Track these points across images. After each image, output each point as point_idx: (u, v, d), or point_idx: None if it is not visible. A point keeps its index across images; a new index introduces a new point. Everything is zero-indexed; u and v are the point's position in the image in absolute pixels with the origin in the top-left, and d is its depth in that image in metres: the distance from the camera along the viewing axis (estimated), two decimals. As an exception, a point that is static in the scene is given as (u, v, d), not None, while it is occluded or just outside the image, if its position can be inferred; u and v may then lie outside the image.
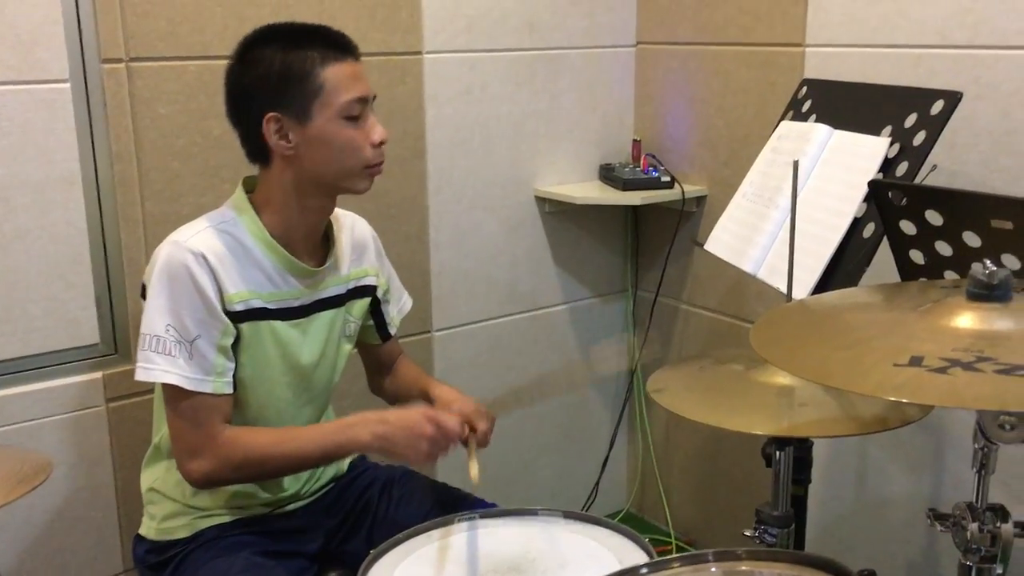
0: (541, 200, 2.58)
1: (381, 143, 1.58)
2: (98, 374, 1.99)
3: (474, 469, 1.56)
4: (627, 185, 2.52)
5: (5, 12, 1.78)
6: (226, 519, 1.64)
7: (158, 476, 1.67)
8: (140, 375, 1.52)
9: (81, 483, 2.00)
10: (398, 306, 1.87)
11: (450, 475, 1.94)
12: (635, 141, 2.67)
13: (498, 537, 1.54)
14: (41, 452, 1.49)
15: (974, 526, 1.19)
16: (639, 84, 2.68)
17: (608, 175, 2.61)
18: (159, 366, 1.50)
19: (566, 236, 2.66)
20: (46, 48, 1.83)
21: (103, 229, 1.97)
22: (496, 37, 2.42)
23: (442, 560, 1.48)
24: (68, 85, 1.87)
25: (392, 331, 1.85)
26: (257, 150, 1.57)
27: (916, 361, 1.02)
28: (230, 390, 1.55)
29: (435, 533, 1.55)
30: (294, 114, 1.52)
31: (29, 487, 1.15)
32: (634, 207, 2.71)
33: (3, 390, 1.89)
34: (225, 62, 1.59)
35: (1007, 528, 1.18)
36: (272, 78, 1.51)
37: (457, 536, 1.55)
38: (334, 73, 1.53)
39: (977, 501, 1.20)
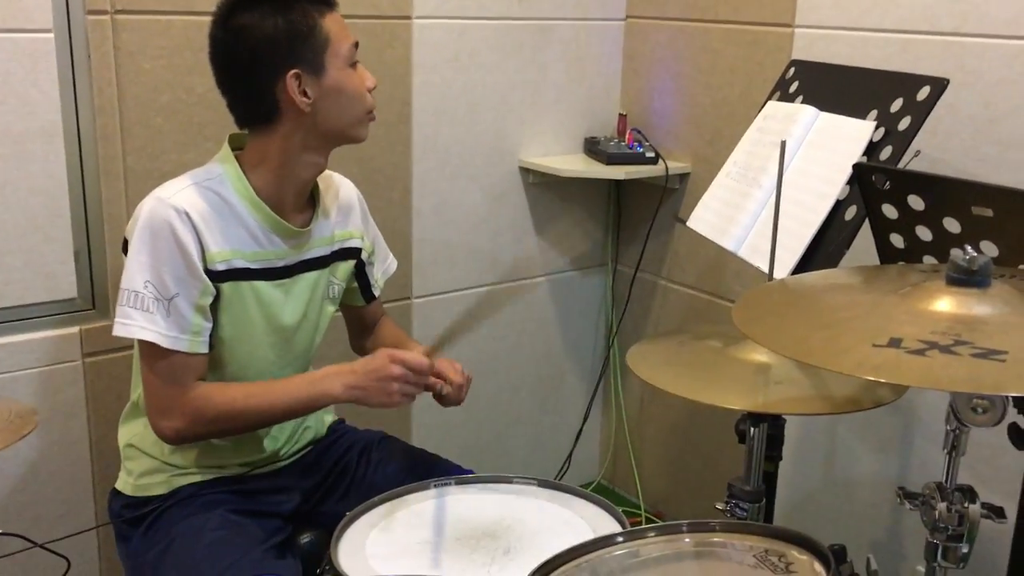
0: (525, 171, 2.58)
1: (374, 87, 1.61)
2: (75, 328, 1.98)
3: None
4: (611, 159, 2.53)
5: (-11, -42, 1.75)
6: (204, 478, 1.64)
7: (136, 432, 1.66)
8: (117, 330, 1.51)
9: (55, 436, 1.99)
10: (383, 267, 1.87)
11: (426, 441, 1.96)
12: (621, 115, 2.67)
13: (473, 504, 1.56)
14: (23, 401, 1.48)
15: (943, 505, 1.21)
16: (627, 58, 2.68)
17: (593, 148, 2.61)
18: (136, 322, 1.50)
19: (549, 208, 2.66)
20: (30, -3, 1.80)
21: (83, 183, 1.95)
22: (486, 5, 2.40)
23: (417, 525, 1.50)
24: (52, 35, 1.84)
25: (376, 293, 1.86)
26: (264, 112, 1.55)
27: (895, 343, 1.04)
28: (205, 349, 1.55)
29: (411, 498, 1.57)
30: (311, 69, 1.52)
31: (17, 436, 1.14)
32: (617, 181, 2.71)
33: (-21, 341, 1.88)
34: (211, 18, 1.57)
35: (974, 508, 1.21)
36: (280, 37, 1.50)
37: (432, 501, 1.57)
38: (332, 23, 1.55)
39: (946, 481, 1.23)
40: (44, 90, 1.85)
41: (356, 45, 1.58)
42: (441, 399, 1.64)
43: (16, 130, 1.83)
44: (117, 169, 1.97)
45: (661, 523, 1.26)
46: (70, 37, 1.87)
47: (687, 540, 1.23)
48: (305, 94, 1.53)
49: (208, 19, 1.57)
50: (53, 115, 1.87)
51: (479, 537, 1.46)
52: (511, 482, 1.62)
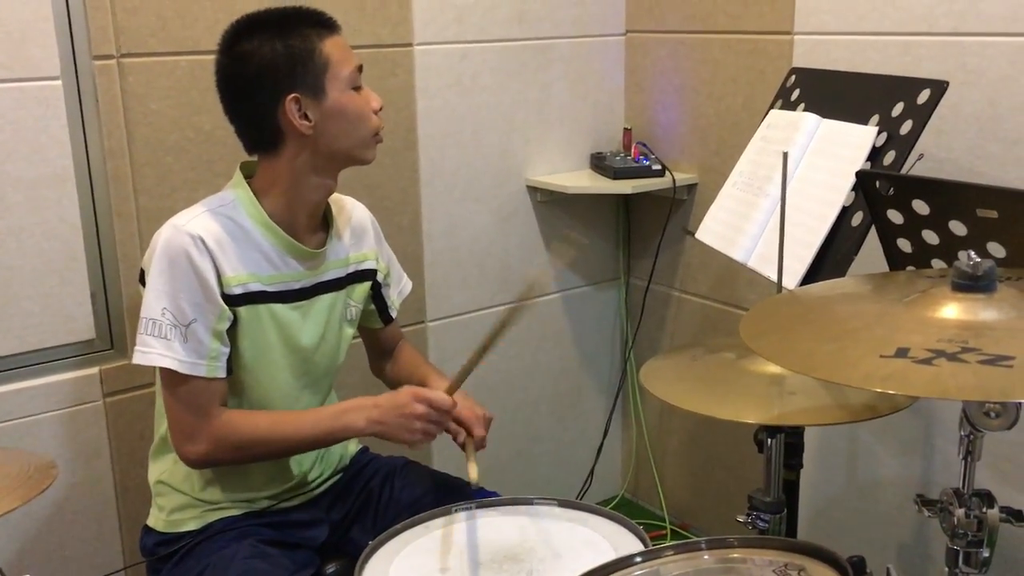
0: (533, 190, 2.59)
1: (380, 109, 1.63)
2: (94, 369, 2.00)
3: (473, 471, 1.57)
4: (618, 174, 2.54)
5: (-5, 10, 1.78)
6: (235, 512, 1.66)
7: (166, 468, 1.68)
8: (137, 358, 1.54)
9: (80, 477, 2.01)
10: (398, 288, 1.89)
11: (447, 464, 1.97)
12: (626, 130, 2.68)
13: (495, 527, 1.56)
14: (43, 453, 1.50)
15: (960, 512, 1.21)
16: (629, 73, 2.69)
17: (599, 164, 2.62)
18: (155, 349, 1.52)
19: (558, 225, 2.67)
20: (37, 45, 1.83)
21: (97, 225, 1.98)
22: (486, 28, 2.42)
23: (440, 550, 1.50)
24: (60, 82, 1.87)
25: (393, 314, 1.88)
26: (268, 137, 1.58)
27: (902, 352, 1.04)
28: (224, 374, 1.57)
29: (433, 523, 1.57)
30: (311, 92, 1.55)
31: (36, 491, 1.17)
32: (625, 196, 2.72)
33: (1, 387, 1.90)
34: (215, 57, 1.59)
35: (993, 514, 1.20)
36: (279, 62, 1.53)
37: (454, 526, 1.57)
38: (332, 47, 1.57)
39: (963, 487, 1.22)
40: (54, 136, 1.88)
41: (360, 68, 1.60)
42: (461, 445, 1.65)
43: (29, 176, 1.86)
44: (129, 210, 1.99)
45: (679, 541, 1.26)
46: (78, 83, 1.91)
47: (706, 557, 1.23)
48: (306, 117, 1.55)
49: (211, 58, 1.60)
50: (64, 160, 1.90)
51: (501, 561, 1.46)
52: (531, 503, 1.63)
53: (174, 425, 1.58)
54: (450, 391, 1.61)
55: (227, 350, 1.57)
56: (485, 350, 1.55)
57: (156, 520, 1.69)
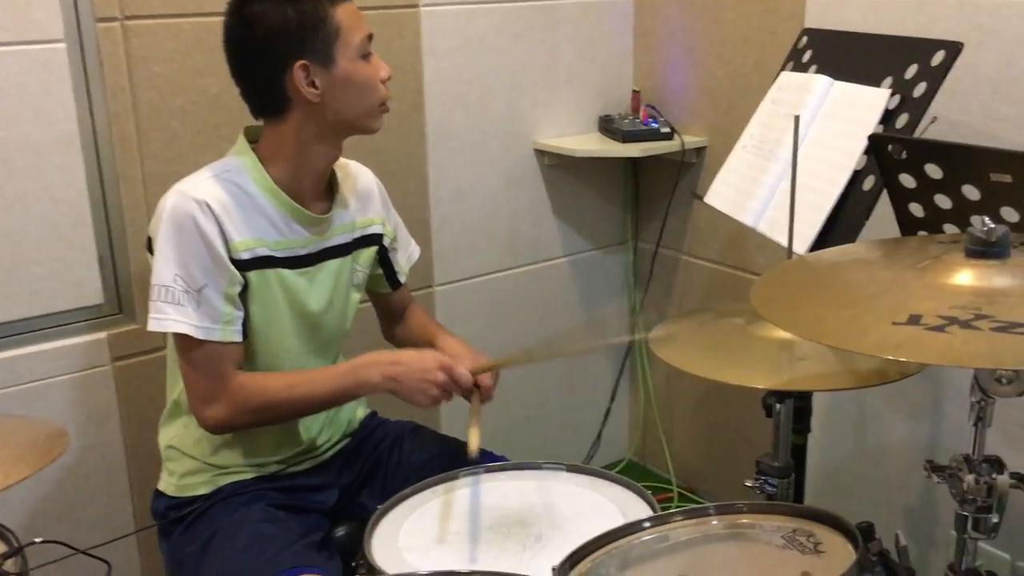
0: (540, 153, 2.58)
1: (388, 78, 1.61)
2: (103, 334, 2.01)
3: (474, 440, 1.55)
4: (627, 137, 2.52)
5: (-3, -28, 1.76)
6: (245, 476, 1.67)
7: (176, 433, 1.69)
8: (152, 326, 1.54)
9: (90, 442, 2.02)
10: (406, 253, 1.89)
11: (455, 428, 1.97)
12: (634, 92, 2.65)
13: (503, 491, 1.57)
14: (54, 421, 1.51)
15: (970, 478, 1.21)
16: (638, 34, 2.66)
17: (607, 127, 2.60)
18: (169, 316, 1.52)
19: (566, 189, 2.66)
20: (40, 8, 1.81)
21: (103, 189, 1.97)
22: (493, -12, 2.40)
23: (448, 515, 1.51)
24: (63, 45, 1.85)
25: (402, 279, 1.87)
26: (274, 103, 1.56)
27: (914, 319, 1.03)
28: (239, 338, 1.57)
29: (440, 488, 1.58)
30: (320, 59, 1.53)
31: (47, 459, 1.17)
32: (634, 159, 2.70)
33: (10, 351, 1.91)
34: (221, 19, 1.57)
35: (1003, 479, 1.20)
36: (289, 27, 1.51)
37: (462, 491, 1.58)
38: (344, 14, 1.54)
39: (974, 453, 1.22)
40: (59, 100, 1.86)
41: (370, 37, 1.58)
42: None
43: (34, 141, 1.85)
44: (135, 174, 1.98)
45: (688, 507, 1.26)
46: (81, 46, 1.89)
47: (715, 523, 1.24)
48: (314, 85, 1.53)
49: (216, 20, 1.58)
50: (69, 124, 1.88)
51: (510, 525, 1.47)
52: (540, 468, 1.63)
53: (192, 390, 1.58)
54: (475, 370, 1.62)
55: (241, 314, 1.57)
56: (532, 359, 1.54)
57: (167, 484, 1.70)
